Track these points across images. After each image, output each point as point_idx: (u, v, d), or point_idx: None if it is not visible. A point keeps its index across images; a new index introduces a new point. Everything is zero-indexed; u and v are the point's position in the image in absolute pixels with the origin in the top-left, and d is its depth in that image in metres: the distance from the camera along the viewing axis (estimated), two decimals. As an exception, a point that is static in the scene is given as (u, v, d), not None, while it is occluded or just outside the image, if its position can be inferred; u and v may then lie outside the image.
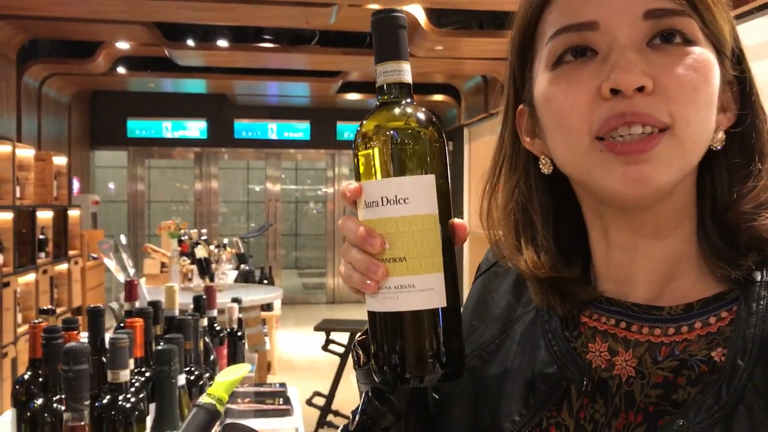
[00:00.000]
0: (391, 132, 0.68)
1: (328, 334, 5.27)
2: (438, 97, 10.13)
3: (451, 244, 0.68)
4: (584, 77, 0.65)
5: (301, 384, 2.14)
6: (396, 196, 0.66)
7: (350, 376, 5.37)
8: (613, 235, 0.72)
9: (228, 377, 0.84)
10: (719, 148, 0.68)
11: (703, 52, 0.65)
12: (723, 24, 0.67)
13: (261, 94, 10.34)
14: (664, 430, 0.65)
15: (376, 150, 0.68)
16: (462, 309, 0.88)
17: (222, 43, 7.45)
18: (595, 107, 0.64)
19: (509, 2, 0.74)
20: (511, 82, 0.76)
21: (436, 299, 0.66)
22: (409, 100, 0.70)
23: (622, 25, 0.64)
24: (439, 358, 0.66)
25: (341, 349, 5.19)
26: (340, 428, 0.69)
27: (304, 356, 7.35)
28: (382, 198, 0.66)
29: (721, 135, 0.68)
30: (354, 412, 0.69)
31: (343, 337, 5.33)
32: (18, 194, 5.98)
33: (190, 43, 7.36)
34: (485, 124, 9.49)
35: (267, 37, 7.51)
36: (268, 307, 5.71)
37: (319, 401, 5.07)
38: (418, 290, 0.65)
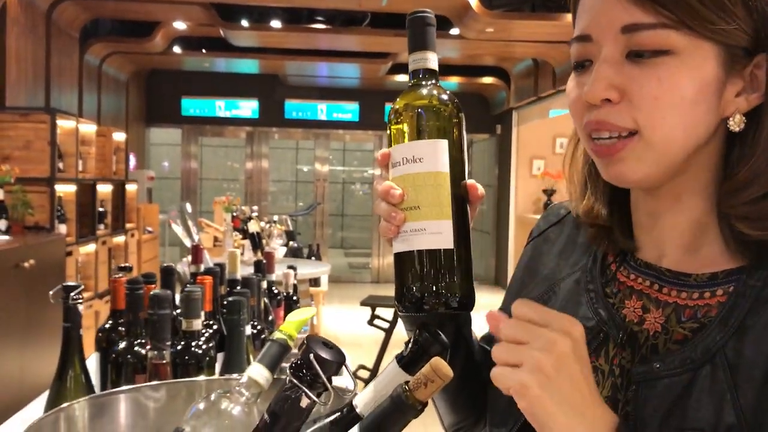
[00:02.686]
0: (417, 109, 0.82)
1: (373, 310, 5.42)
2: (487, 80, 10.09)
3: (462, 201, 0.82)
4: (580, 84, 0.77)
5: (346, 357, 2.26)
6: (413, 156, 0.81)
7: (393, 351, 5.50)
8: (640, 204, 0.83)
9: (298, 317, 0.94)
10: (738, 129, 0.74)
11: (675, 63, 0.70)
12: (721, 22, 0.70)
13: (312, 75, 10.45)
14: (641, 367, 0.76)
15: (404, 123, 0.82)
16: (515, 269, 1.02)
17: (276, 24, 7.60)
18: (582, 112, 0.77)
19: (562, -14, 0.84)
20: None
21: (444, 241, 0.79)
22: (434, 82, 0.84)
23: (606, 39, 0.73)
24: (448, 291, 0.80)
25: (386, 325, 5.33)
26: (394, 355, 0.81)
27: (348, 332, 7.52)
28: (403, 158, 0.81)
29: (738, 118, 0.74)
30: (407, 343, 0.81)
31: (388, 313, 5.46)
32: (80, 168, 6.23)
33: (245, 23, 7.53)
34: (535, 108, 9.41)
35: (320, 18, 7.63)
36: (315, 282, 5.86)
37: (363, 374, 5.23)
38: (429, 233, 0.79)
